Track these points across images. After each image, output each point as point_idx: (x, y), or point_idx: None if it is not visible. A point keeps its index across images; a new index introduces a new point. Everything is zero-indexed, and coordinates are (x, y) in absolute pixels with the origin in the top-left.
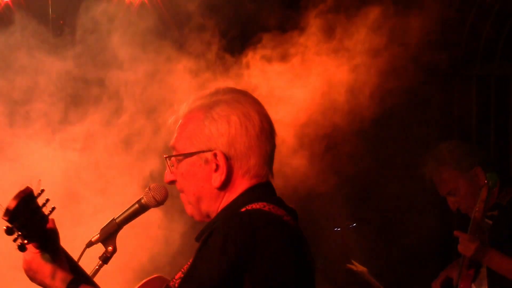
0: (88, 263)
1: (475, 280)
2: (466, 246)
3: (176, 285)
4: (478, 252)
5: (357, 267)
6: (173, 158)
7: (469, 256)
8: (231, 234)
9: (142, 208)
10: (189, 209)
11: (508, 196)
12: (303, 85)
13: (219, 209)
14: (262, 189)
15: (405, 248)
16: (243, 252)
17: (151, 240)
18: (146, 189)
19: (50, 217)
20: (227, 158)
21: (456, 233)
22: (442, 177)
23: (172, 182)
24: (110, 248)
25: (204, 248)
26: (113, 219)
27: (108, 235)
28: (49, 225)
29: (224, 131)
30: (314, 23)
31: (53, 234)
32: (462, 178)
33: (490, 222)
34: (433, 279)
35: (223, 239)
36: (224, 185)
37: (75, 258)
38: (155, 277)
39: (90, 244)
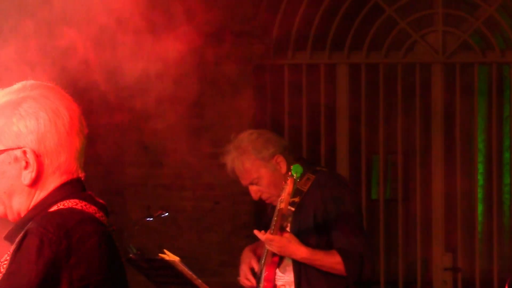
0: None
1: (280, 266)
2: (268, 244)
3: None
4: (282, 249)
5: (170, 256)
6: None
7: (276, 253)
8: (46, 235)
9: None
10: (1, 210)
11: (309, 182)
12: None
13: (30, 207)
14: (73, 185)
15: (219, 236)
16: (59, 253)
17: None
18: None
19: None
20: (37, 155)
21: (255, 232)
22: (244, 167)
23: None
24: None
25: (20, 251)
26: None
27: None
28: None
29: (33, 128)
30: None
31: None
32: (264, 167)
33: (293, 209)
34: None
35: (38, 242)
36: (35, 183)
37: None
38: None
39: None
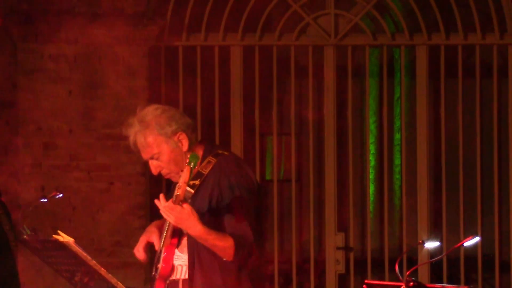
0: None
1: (179, 246)
2: (166, 214)
3: None
4: (180, 220)
5: (64, 237)
6: None
7: (173, 224)
8: None
9: None
10: None
11: (210, 166)
12: None
13: None
14: None
15: (114, 217)
16: None
17: None
18: None
19: None
20: None
21: (156, 201)
22: (146, 141)
23: None
24: None
25: None
26: None
27: None
28: None
29: None
30: None
31: None
32: (166, 143)
33: (192, 191)
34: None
35: None
36: None
37: None
38: None
39: None
